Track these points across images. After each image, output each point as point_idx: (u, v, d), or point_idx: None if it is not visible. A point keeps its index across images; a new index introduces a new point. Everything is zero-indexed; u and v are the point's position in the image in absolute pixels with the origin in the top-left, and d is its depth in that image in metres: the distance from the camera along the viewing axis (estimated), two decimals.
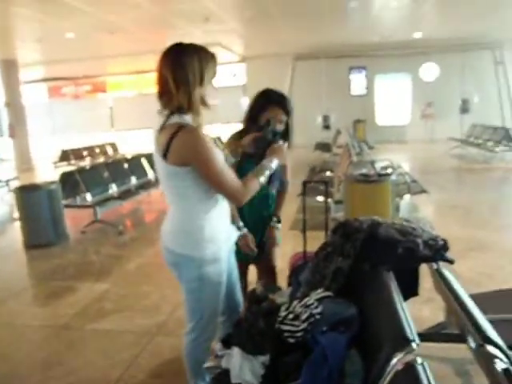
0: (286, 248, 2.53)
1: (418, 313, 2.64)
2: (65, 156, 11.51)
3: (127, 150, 14.17)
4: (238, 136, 2.20)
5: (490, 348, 1.06)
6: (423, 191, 5.23)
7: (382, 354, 1.14)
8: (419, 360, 1.02)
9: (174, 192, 1.66)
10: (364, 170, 4.35)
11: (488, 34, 12.70)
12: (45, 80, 16.83)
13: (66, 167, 10.33)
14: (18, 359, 2.69)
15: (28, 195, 5.16)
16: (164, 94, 1.60)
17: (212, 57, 1.66)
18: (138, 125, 17.19)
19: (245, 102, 16.44)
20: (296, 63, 15.16)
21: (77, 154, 11.86)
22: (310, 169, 6.92)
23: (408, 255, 1.66)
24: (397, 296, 1.37)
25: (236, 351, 1.46)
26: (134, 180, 7.06)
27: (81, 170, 6.30)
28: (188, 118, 1.60)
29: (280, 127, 2.16)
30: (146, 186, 6.89)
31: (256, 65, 15.25)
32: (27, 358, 2.71)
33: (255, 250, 2.16)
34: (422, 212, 5.61)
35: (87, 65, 14.59)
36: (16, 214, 5.70)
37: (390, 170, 6.44)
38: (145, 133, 16.90)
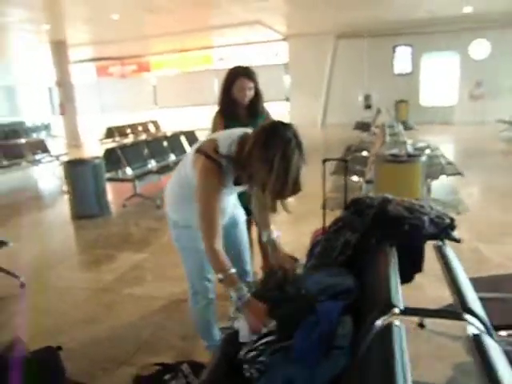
0: (315, 227, 2.62)
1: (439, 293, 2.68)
2: (109, 133, 12.01)
3: (169, 128, 14.58)
4: (218, 116, 2.69)
5: (468, 316, 1.14)
6: (458, 173, 5.12)
7: (369, 317, 1.25)
8: (397, 322, 1.12)
9: (182, 171, 1.86)
10: (395, 150, 4.33)
11: None
12: (93, 60, 17.48)
13: (111, 144, 10.83)
14: (60, 315, 3.00)
15: (75, 169, 5.53)
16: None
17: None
18: (180, 102, 17.61)
19: (287, 81, 16.37)
20: (338, 42, 14.85)
21: (121, 131, 12.34)
22: (346, 147, 6.91)
23: (414, 232, 1.73)
24: (392, 269, 1.46)
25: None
26: (172, 157, 7.33)
27: (122, 147, 6.63)
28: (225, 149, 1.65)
29: (250, 95, 2.58)
30: None
31: (298, 43, 15.09)
32: (69, 314, 3.02)
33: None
34: (458, 194, 5.50)
35: (132, 45, 15.01)
36: (65, 187, 6.10)
37: (427, 151, 6.35)
38: (187, 110, 17.30)
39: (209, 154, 1.64)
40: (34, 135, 17.51)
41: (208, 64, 16.85)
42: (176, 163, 6.98)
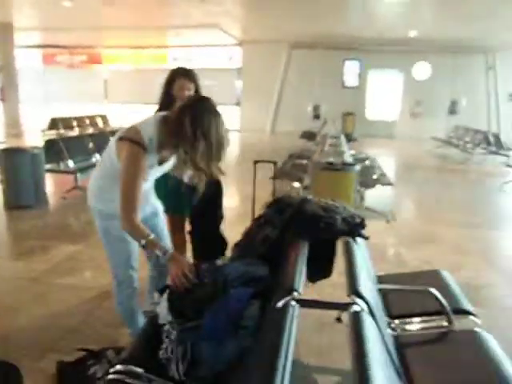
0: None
1: None
2: (54, 124, 11.60)
3: (118, 123, 14.28)
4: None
5: (353, 296, 1.33)
6: (390, 184, 5.51)
7: (273, 300, 1.40)
8: (293, 303, 1.29)
9: (106, 162, 1.94)
10: (332, 159, 4.60)
11: (481, 38, 12.93)
12: (39, 46, 16.76)
13: (54, 135, 10.48)
14: None
15: (11, 157, 5.34)
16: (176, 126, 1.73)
17: None
18: (131, 98, 17.27)
19: (239, 85, 16.57)
20: (292, 51, 15.26)
21: (66, 123, 11.95)
22: (289, 155, 7.17)
23: (328, 229, 1.93)
24: (300, 260, 1.64)
25: (164, 298, 1.73)
26: None
27: (65, 139, 6.51)
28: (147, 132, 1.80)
29: (188, 93, 2.60)
30: None
31: (252, 49, 15.34)
32: None
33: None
34: (389, 204, 5.89)
35: (84, 35, 14.57)
36: None
37: (366, 162, 6.75)
38: (137, 107, 17.00)
39: (133, 138, 1.76)
40: None
41: (162, 63, 16.70)
42: None
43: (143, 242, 1.77)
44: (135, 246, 2.03)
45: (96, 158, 6.64)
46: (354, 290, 1.37)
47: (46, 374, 2.20)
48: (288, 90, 15.59)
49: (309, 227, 1.94)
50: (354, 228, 1.95)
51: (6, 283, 3.31)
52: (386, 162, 9.28)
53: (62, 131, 11.60)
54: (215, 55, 16.41)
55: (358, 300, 1.33)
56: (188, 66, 2.76)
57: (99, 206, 2.05)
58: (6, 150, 5.52)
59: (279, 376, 0.97)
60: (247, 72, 15.89)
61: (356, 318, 1.22)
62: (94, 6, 10.29)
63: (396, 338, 1.84)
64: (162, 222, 2.29)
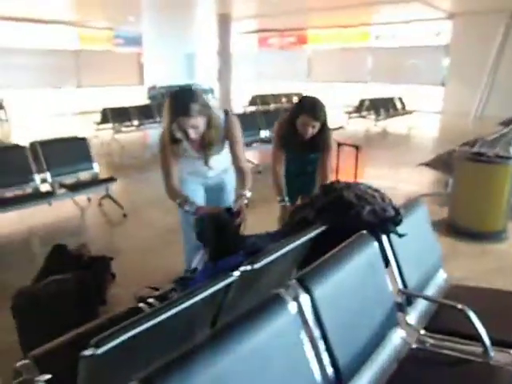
0: None
1: None
2: (253, 100, 12.99)
3: None
4: (278, 142, 2.78)
5: (295, 284, 1.40)
6: None
7: None
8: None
9: None
10: (483, 149, 4.02)
11: None
12: (256, 31, 18.69)
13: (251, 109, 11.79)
14: None
15: None
16: None
17: None
18: (333, 77, 17.69)
19: (446, 64, 15.08)
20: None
21: (264, 99, 13.22)
22: (463, 143, 6.39)
23: (354, 218, 1.91)
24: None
25: None
26: None
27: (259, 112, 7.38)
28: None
29: (312, 132, 2.60)
30: None
31: (464, 22, 13.66)
32: None
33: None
34: None
35: (293, 18, 15.56)
36: None
37: None
38: (339, 86, 17.35)
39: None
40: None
41: (364, 41, 16.48)
42: None
43: (178, 200, 2.17)
44: None
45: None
46: (302, 280, 1.41)
47: None
48: (503, 69, 13.38)
49: (338, 214, 1.96)
50: (384, 222, 1.86)
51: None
52: None
53: (260, 107, 12.84)
54: (420, 31, 15.24)
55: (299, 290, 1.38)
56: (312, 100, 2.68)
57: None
58: None
59: None
60: (456, 49, 14.28)
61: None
62: None
63: (417, 351, 1.73)
64: (228, 196, 2.60)
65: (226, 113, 2.37)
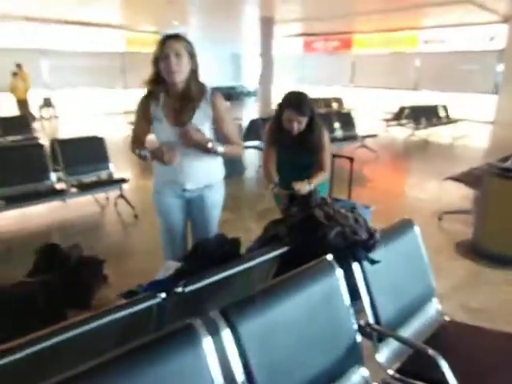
0: None
1: None
2: None
3: (359, 106, 14.55)
4: (268, 136, 2.69)
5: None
6: None
7: None
8: None
9: None
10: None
11: None
12: (300, 35, 18.47)
13: None
14: None
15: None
16: None
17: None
18: (376, 83, 17.14)
19: (500, 70, 14.16)
20: None
21: None
22: (503, 157, 5.90)
23: (320, 240, 1.73)
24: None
25: None
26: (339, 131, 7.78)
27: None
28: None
29: (298, 128, 2.49)
30: (350, 138, 7.78)
31: None
32: None
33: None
34: None
35: (338, 22, 15.20)
36: None
37: None
38: (383, 92, 16.77)
39: None
40: (246, 99, 19.81)
41: (412, 46, 15.80)
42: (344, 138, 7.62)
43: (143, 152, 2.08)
44: None
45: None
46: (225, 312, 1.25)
47: None
48: None
49: (306, 234, 1.78)
50: (353, 247, 1.66)
51: None
52: None
53: None
54: (472, 36, 14.39)
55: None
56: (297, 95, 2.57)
57: None
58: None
59: None
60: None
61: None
62: None
63: None
64: (206, 221, 2.34)
65: (212, 90, 2.19)
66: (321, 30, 17.37)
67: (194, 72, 2.08)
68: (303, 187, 2.31)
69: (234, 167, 6.23)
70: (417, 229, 2.08)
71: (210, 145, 2.09)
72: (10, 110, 11.83)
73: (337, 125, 7.75)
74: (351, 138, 7.84)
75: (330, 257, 1.60)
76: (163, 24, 15.90)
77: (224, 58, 24.35)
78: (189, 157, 2.13)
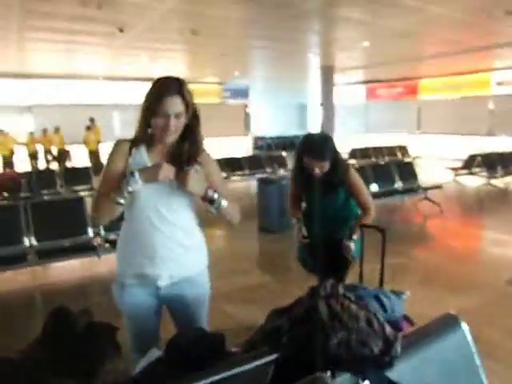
0: None
1: None
2: (353, 154, 12.33)
3: (423, 154, 13.76)
4: (297, 170, 2.59)
5: None
6: None
7: None
8: None
9: None
10: None
11: None
12: (363, 82, 18.24)
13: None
14: None
15: (263, 186, 6.17)
16: None
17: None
18: (446, 129, 16.22)
19: None
20: None
21: (363, 152, 12.49)
22: None
23: (318, 348, 1.32)
24: None
25: None
26: (399, 183, 7.30)
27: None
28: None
29: (321, 171, 2.39)
30: (411, 190, 7.29)
31: None
32: None
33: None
34: None
35: (401, 67, 14.82)
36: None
37: None
38: (453, 138, 15.79)
39: None
40: None
41: (483, 89, 14.86)
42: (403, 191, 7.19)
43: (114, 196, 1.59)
44: None
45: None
46: None
47: None
48: None
49: (303, 335, 1.38)
50: (359, 362, 1.23)
51: None
52: None
53: (359, 160, 12.06)
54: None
55: None
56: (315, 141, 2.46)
57: None
58: (261, 180, 6.39)
59: None
60: None
61: None
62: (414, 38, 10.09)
63: None
64: (193, 318, 1.82)
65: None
66: (384, 76, 17.02)
67: (190, 128, 1.69)
68: (350, 250, 2.30)
69: (281, 220, 5.91)
70: (465, 328, 1.58)
71: (210, 193, 1.65)
72: (83, 160, 12.67)
73: (396, 176, 7.23)
74: (412, 190, 7.26)
75: (326, 375, 1.19)
76: (225, 76, 16.54)
77: (289, 107, 24.80)
78: (164, 234, 1.67)
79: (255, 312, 2.94)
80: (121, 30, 7.92)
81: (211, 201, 1.66)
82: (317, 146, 2.39)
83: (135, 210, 1.68)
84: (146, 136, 1.68)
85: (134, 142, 1.69)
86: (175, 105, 1.60)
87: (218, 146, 16.29)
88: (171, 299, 1.77)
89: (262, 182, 6.32)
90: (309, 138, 2.47)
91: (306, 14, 7.85)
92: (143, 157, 1.68)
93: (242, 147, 17.65)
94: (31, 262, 3.81)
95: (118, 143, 1.72)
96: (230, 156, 10.22)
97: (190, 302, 1.78)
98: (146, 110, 1.65)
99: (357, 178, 2.52)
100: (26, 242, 4.07)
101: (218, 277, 4.52)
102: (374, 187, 6.86)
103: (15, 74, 13.42)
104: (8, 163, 12.07)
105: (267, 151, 16.63)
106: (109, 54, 11.16)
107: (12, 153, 12.24)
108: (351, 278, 2.63)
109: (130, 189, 1.57)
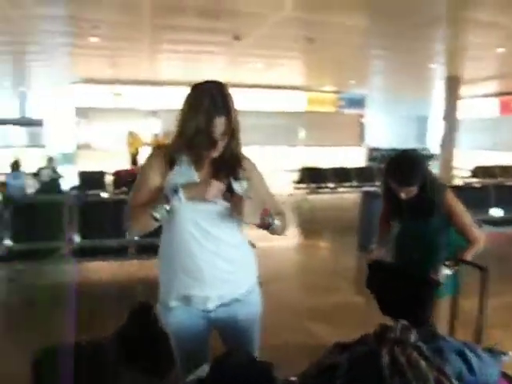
0: None
1: None
2: (475, 172, 11.22)
3: None
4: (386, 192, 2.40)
5: None
6: None
7: None
8: None
9: None
10: None
11: None
12: (496, 95, 16.37)
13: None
14: None
15: (369, 201, 5.82)
16: None
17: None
18: None
19: None
20: None
21: (488, 171, 11.22)
22: None
23: None
24: None
25: None
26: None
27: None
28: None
29: (408, 196, 2.22)
30: None
31: None
32: None
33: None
34: None
35: None
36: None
37: None
38: None
39: None
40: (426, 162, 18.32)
41: None
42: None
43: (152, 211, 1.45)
44: None
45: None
46: None
47: None
48: None
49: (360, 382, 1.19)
50: None
51: None
52: None
53: (485, 178, 10.88)
54: None
55: None
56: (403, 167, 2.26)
57: None
58: (366, 193, 6.03)
59: None
60: None
61: None
62: None
63: None
64: (245, 337, 1.68)
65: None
66: None
67: (232, 134, 1.52)
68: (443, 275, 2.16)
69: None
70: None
71: (267, 220, 1.52)
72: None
73: (493, 202, 6.11)
74: None
75: None
76: (341, 84, 16.17)
77: (408, 119, 23.50)
78: (208, 250, 1.52)
79: (339, 332, 2.79)
80: (237, 38, 8.19)
81: (267, 227, 1.53)
82: (403, 170, 2.20)
83: (173, 224, 1.54)
84: (187, 147, 1.50)
85: (174, 152, 1.53)
86: (223, 125, 1.46)
87: (330, 155, 16.08)
88: (222, 321, 1.64)
89: (367, 196, 5.96)
90: (395, 159, 2.27)
91: (432, 21, 7.30)
92: (190, 170, 1.52)
93: (354, 158, 17.07)
94: (131, 255, 4.07)
95: (155, 150, 1.61)
96: (339, 166, 9.87)
97: (242, 323, 1.64)
98: (189, 121, 1.47)
99: (455, 202, 2.27)
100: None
101: (309, 294, 4.40)
102: (496, 212, 5.95)
103: (143, 81, 14.79)
104: (134, 161, 13.37)
105: (381, 163, 15.83)
106: (226, 61, 11.67)
107: (138, 152, 13.51)
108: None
109: (169, 206, 1.43)
